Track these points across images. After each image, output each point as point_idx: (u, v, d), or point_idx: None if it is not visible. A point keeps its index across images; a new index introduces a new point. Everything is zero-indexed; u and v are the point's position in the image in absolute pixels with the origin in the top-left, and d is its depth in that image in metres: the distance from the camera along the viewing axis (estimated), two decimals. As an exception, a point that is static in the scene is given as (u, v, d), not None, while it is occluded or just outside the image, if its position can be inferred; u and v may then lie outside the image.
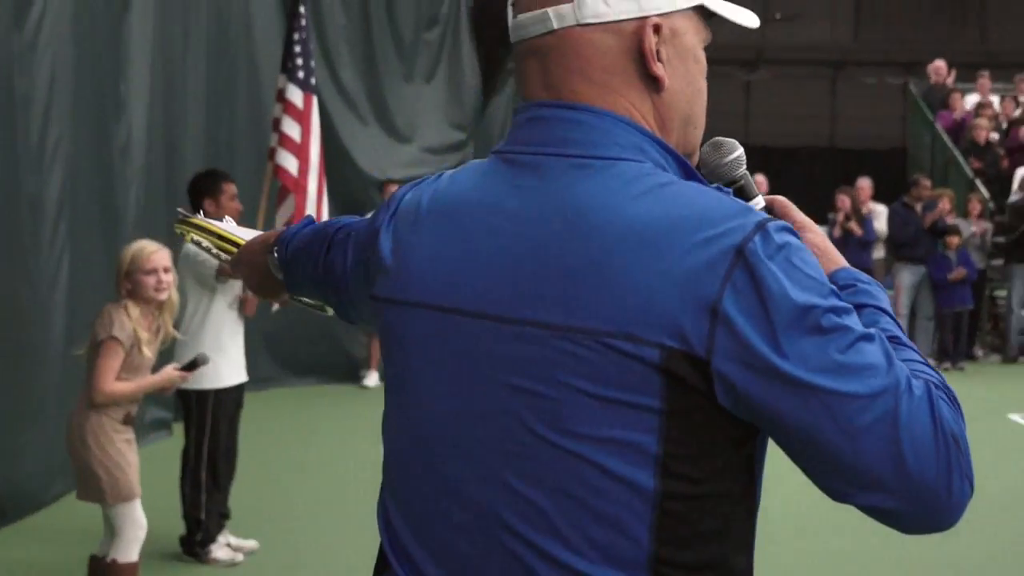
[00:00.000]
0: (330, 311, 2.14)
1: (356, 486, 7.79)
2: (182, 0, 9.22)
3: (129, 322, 4.95)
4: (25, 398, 6.64)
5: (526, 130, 1.55)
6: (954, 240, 13.81)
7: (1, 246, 6.59)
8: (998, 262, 14.87)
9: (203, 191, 6.21)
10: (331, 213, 9.55)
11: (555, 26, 1.52)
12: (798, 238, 1.42)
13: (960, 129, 16.43)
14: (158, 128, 8.70)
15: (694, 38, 1.56)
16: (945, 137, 16.42)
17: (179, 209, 2.53)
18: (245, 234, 2.26)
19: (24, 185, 6.75)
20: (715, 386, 1.37)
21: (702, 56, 1.59)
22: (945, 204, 14.10)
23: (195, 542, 6.10)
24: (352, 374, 11.84)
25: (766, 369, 1.35)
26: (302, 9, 7.60)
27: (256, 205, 7.13)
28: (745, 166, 1.72)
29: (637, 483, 1.39)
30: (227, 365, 6.18)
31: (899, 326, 1.53)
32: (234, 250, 2.24)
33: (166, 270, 5.08)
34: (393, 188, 11.57)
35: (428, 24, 13.00)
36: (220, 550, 6.12)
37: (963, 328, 13.87)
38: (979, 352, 14.60)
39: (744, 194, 1.70)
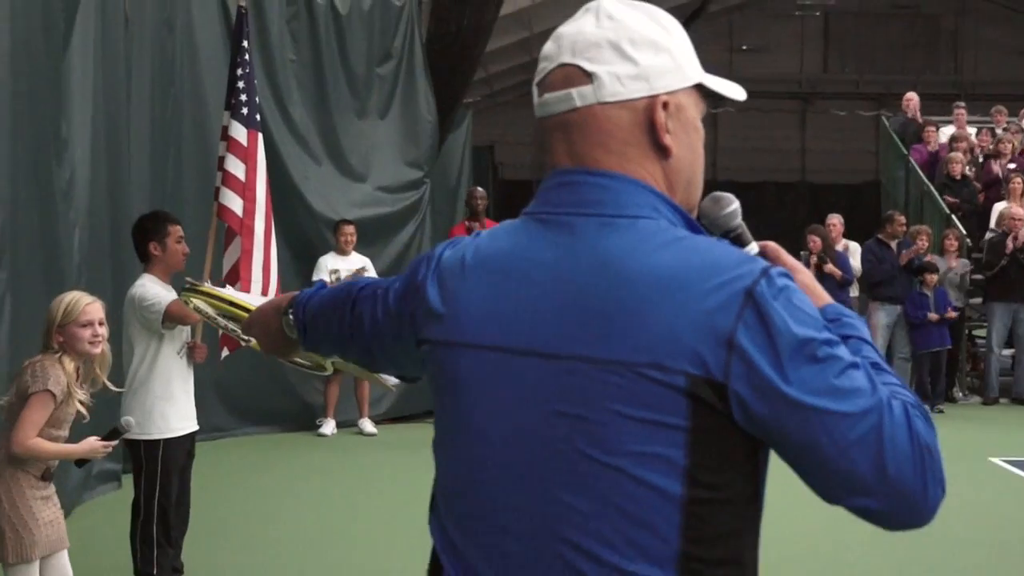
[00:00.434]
0: (328, 371, 2.47)
1: (314, 537, 7.80)
2: (123, 35, 9.26)
3: (64, 376, 4.99)
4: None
5: (556, 193, 1.89)
6: (932, 278, 13.96)
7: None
8: (976, 300, 15.04)
9: (148, 234, 6.26)
10: (281, 255, 9.59)
11: (578, 104, 1.86)
12: (793, 281, 1.77)
13: (935, 163, 16.63)
14: (101, 169, 8.72)
15: (694, 111, 1.92)
16: (919, 171, 16.63)
17: (187, 279, 2.92)
18: (252, 300, 2.58)
19: (-38, 229, 6.77)
20: (732, 406, 1.71)
21: (701, 126, 1.94)
22: (923, 241, 14.27)
23: (146, 600, 6.10)
24: (308, 422, 11.86)
25: (773, 392, 1.70)
26: (245, 43, 7.61)
27: (204, 247, 7.17)
28: (740, 216, 2.06)
29: (667, 491, 1.72)
30: (176, 414, 6.22)
31: (879, 353, 1.86)
32: (244, 315, 2.49)
33: (101, 323, 5.12)
34: (348, 229, 11.65)
35: (381, 59, 13.09)
36: (172, 608, 6.14)
37: (941, 369, 13.99)
38: (959, 394, 14.74)
39: (741, 241, 2.04)
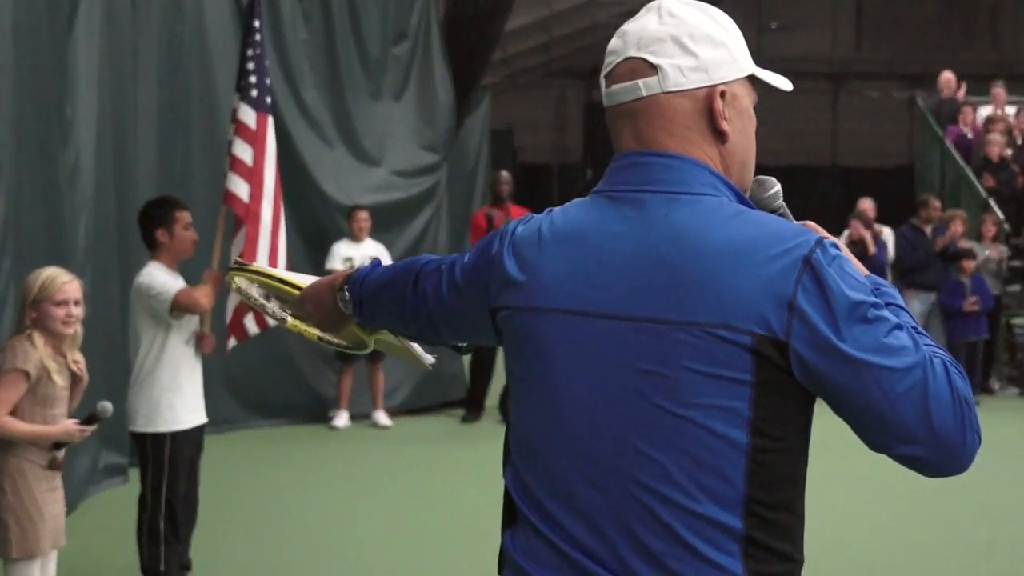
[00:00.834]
0: (368, 348, 2.76)
1: (326, 533, 7.84)
2: (130, 16, 9.29)
3: (35, 352, 4.99)
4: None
5: (625, 173, 2.17)
6: (968, 265, 13.92)
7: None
8: (1015, 288, 14.98)
9: (155, 220, 6.28)
10: (293, 242, 9.62)
11: (644, 93, 2.15)
12: (841, 251, 2.05)
13: (971, 145, 16.55)
14: (107, 153, 8.76)
15: (748, 100, 2.20)
16: (955, 154, 16.56)
17: (236, 258, 3.07)
18: (303, 279, 2.81)
19: (-35, 216, 6.82)
20: (792, 363, 1.99)
21: (753, 114, 2.22)
22: (957, 226, 14.22)
23: (153, 597, 6.15)
24: (320, 414, 11.90)
25: (830, 349, 1.97)
26: (256, 23, 7.57)
27: (213, 234, 7.18)
28: (782, 198, 2.36)
29: (734, 440, 2.00)
30: (184, 406, 6.25)
31: (913, 319, 2.11)
32: (294, 292, 2.77)
33: (77, 303, 5.11)
34: (362, 215, 11.66)
35: (396, 38, 13.10)
36: (180, 605, 6.18)
37: (978, 360, 13.95)
38: (995, 385, 14.68)
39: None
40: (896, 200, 19.48)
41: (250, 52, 7.42)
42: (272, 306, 2.89)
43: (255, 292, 2.90)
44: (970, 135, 16.75)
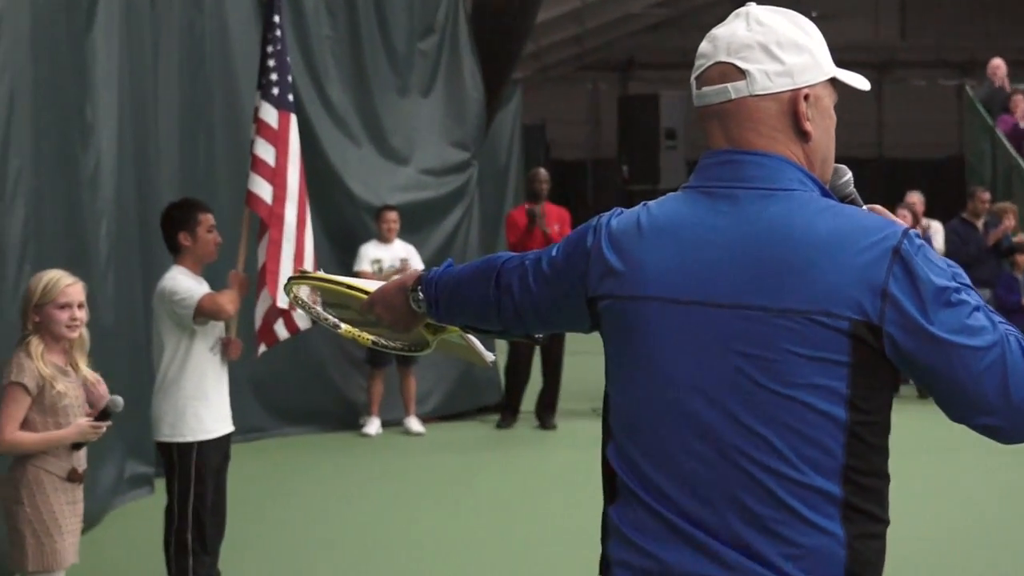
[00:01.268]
0: (430, 349, 3.04)
1: (358, 543, 7.86)
2: (149, 13, 9.33)
3: (31, 362, 5.00)
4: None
5: (717, 170, 2.41)
6: (1023, 259, 13.85)
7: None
8: (1071, 283, 14.87)
9: (177, 223, 6.31)
10: (320, 244, 9.64)
11: (732, 96, 2.39)
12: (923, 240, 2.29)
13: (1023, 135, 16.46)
14: (128, 155, 8.81)
15: (829, 101, 2.45)
16: (1007, 144, 16.46)
17: (300, 268, 3.27)
18: (368, 284, 3.06)
19: (-16, 221, 6.87)
20: (884, 344, 2.24)
21: (834, 113, 2.46)
22: (1010, 220, 14.13)
23: (182, 611, 6.17)
24: (351, 421, 11.93)
25: (919, 331, 2.22)
26: (276, 18, 7.54)
27: (237, 236, 7.18)
28: (852, 184, 2.60)
29: (834, 415, 2.25)
30: (211, 414, 6.26)
31: (981, 297, 2.31)
32: (362, 296, 2.99)
33: (80, 306, 5.12)
34: (391, 215, 11.66)
35: (423, 33, 13.10)
36: (209, 619, 6.21)
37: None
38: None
39: (856, 204, 2.55)
40: (945, 193, 19.39)
41: (270, 48, 7.39)
42: (326, 313, 3.09)
43: (309, 298, 3.12)
44: (1022, 124, 16.65)
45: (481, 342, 3.14)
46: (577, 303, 2.52)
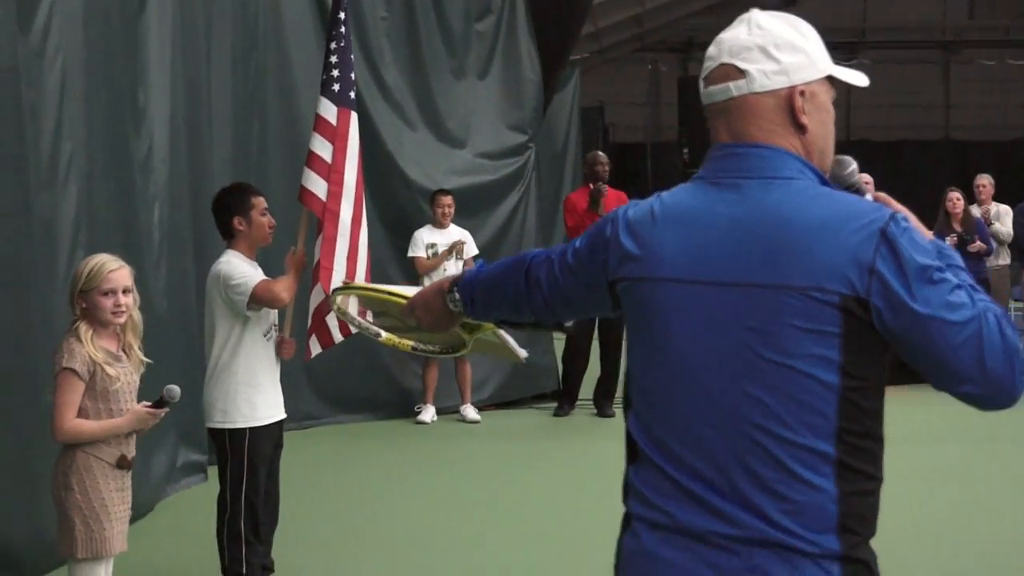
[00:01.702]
0: (467, 349, 3.46)
1: (413, 534, 7.86)
2: (203, -5, 9.37)
3: (81, 347, 5.00)
4: (42, 444, 6.78)
5: (722, 162, 2.68)
6: (1093, 243, 13.69)
7: (12, 275, 6.74)
8: None
9: (231, 208, 6.31)
10: (375, 230, 9.63)
11: (734, 94, 2.66)
12: (910, 223, 2.54)
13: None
14: (181, 140, 8.84)
15: (825, 96, 2.69)
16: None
17: (346, 280, 3.08)
18: (407, 290, 3.33)
19: (36, 206, 6.92)
20: (872, 316, 2.48)
21: (831, 108, 2.71)
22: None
23: (236, 600, 6.19)
24: (405, 409, 11.95)
25: (903, 306, 2.46)
26: (342, 15, 7.45)
27: (291, 224, 7.16)
28: (857, 175, 2.89)
29: (828, 381, 2.49)
30: (263, 401, 6.27)
31: (971, 276, 2.55)
32: (402, 301, 3.30)
33: (126, 291, 5.10)
34: (446, 199, 11.65)
35: (480, 13, 13.07)
36: (263, 609, 6.23)
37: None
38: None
39: (859, 193, 2.80)
40: (1015, 175, 19.19)
41: (333, 45, 7.35)
42: (367, 323, 3.35)
43: (351, 310, 3.43)
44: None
45: (514, 338, 3.46)
46: (600, 289, 2.81)
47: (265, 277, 6.26)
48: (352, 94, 7.35)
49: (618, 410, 11.92)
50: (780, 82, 2.64)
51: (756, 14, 2.72)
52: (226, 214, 6.34)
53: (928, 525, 8.02)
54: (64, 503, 5.03)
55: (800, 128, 2.65)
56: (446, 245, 11.56)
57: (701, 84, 2.76)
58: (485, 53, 13.15)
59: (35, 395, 6.60)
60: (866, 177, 14.59)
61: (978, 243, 13.66)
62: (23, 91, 6.81)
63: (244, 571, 6.18)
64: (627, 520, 2.75)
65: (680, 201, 2.72)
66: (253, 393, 6.22)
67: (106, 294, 5.05)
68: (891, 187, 3.07)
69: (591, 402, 12.26)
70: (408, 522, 8.19)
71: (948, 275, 2.49)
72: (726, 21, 2.82)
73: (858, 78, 2.76)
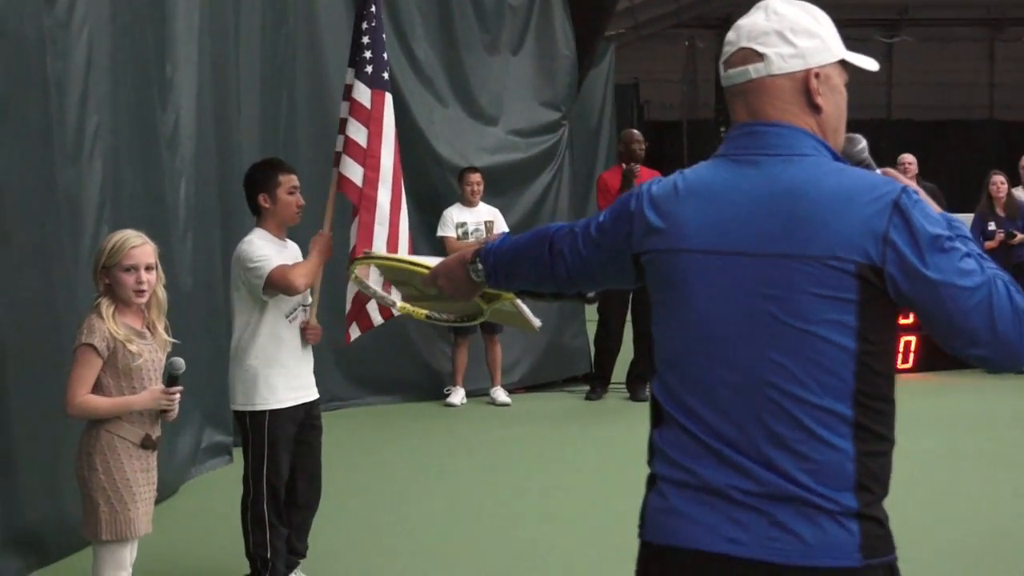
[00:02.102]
0: (483, 318, 3.69)
1: (443, 517, 7.86)
2: (232, -33, 9.34)
3: (102, 323, 4.99)
4: (66, 423, 6.79)
5: (742, 140, 2.87)
6: None
7: (37, 249, 6.75)
8: None
9: (258, 184, 6.27)
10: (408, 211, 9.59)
11: (752, 76, 2.86)
12: (919, 196, 2.73)
13: None
14: (208, 115, 8.83)
15: (839, 79, 2.89)
16: None
17: (366, 250, 3.09)
18: (428, 260, 3.48)
19: (61, 181, 6.92)
20: (886, 283, 2.66)
21: (844, 90, 2.91)
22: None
23: (261, 585, 6.18)
24: (435, 391, 11.96)
25: (915, 272, 2.64)
26: (373, 8, 7.35)
27: (323, 209, 7.08)
28: (868, 152, 3.07)
29: (845, 345, 2.67)
30: (286, 383, 6.22)
31: (980, 246, 2.59)
32: (424, 271, 3.47)
33: (148, 268, 5.07)
34: (475, 177, 11.61)
35: (513, -13, 13.04)
36: (290, 593, 6.22)
37: None
38: None
39: (870, 169, 2.98)
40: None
41: (365, 25, 7.25)
42: (383, 292, 3.48)
43: (371, 280, 3.49)
44: None
45: (530, 308, 3.67)
46: (623, 261, 3.00)
47: (283, 261, 6.19)
48: (386, 74, 7.28)
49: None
50: (796, 65, 2.83)
51: (773, 1, 2.90)
52: (253, 190, 6.30)
53: (954, 508, 7.98)
54: (88, 483, 5.03)
55: (815, 108, 2.85)
56: (476, 223, 11.54)
57: (721, 68, 2.94)
58: (518, 28, 13.11)
59: (59, 373, 6.56)
60: (909, 158, 14.74)
61: (1020, 236, 13.66)
62: (48, 63, 6.82)
63: (268, 555, 6.16)
64: (652, 480, 2.89)
65: (702, 177, 2.91)
66: (273, 375, 6.17)
67: (128, 270, 5.03)
68: (934, 168, 3.12)
69: (624, 385, 12.23)
70: (437, 505, 8.18)
71: (958, 244, 2.66)
72: (764, -3, 2.88)
73: (868, 63, 2.95)
